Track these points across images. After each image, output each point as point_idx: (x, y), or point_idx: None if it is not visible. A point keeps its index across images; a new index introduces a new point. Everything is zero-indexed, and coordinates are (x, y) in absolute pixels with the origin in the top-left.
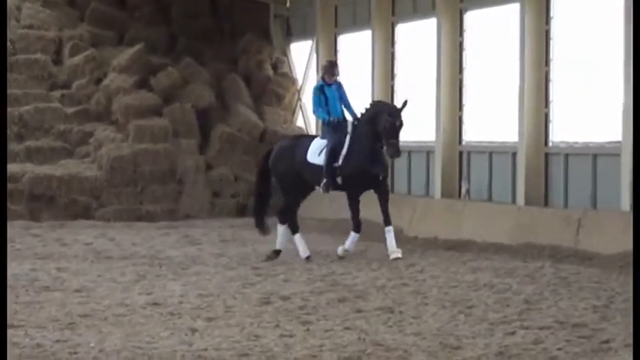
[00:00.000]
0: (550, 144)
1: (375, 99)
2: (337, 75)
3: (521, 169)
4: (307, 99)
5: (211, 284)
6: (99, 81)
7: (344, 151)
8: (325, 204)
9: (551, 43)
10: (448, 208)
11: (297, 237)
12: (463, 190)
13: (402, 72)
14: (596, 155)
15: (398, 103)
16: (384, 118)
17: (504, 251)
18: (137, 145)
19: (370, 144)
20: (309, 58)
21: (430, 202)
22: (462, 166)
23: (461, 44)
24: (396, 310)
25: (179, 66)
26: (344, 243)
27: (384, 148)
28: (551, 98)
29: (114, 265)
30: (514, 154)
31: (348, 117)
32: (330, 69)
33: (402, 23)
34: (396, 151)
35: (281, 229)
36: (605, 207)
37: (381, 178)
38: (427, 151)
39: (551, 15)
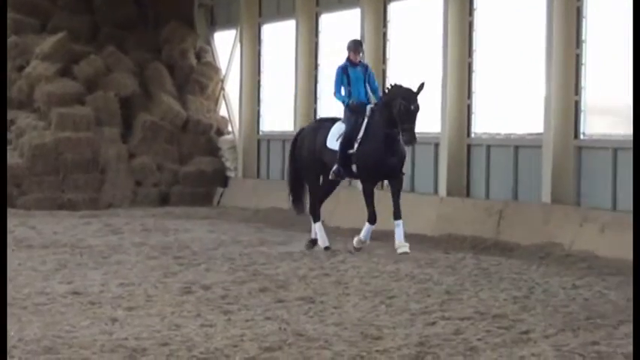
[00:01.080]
0: (472, 135)
1: (393, 83)
2: (362, 54)
3: (444, 159)
4: (231, 88)
5: (132, 273)
6: (21, 68)
7: (359, 138)
8: (247, 192)
9: (474, 34)
10: None
11: (318, 225)
12: (386, 181)
13: (325, 62)
14: (517, 147)
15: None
16: (399, 101)
17: (426, 242)
18: (59, 134)
19: (386, 131)
20: (232, 47)
21: (353, 193)
22: None
23: (384, 35)
24: (317, 300)
25: (102, 54)
26: (359, 234)
27: (400, 135)
28: (473, 89)
29: (34, 253)
30: (436, 145)
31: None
32: (354, 48)
33: (326, 13)
34: (411, 137)
35: (316, 225)
36: (526, 198)
37: (397, 169)
38: None
39: (475, 7)
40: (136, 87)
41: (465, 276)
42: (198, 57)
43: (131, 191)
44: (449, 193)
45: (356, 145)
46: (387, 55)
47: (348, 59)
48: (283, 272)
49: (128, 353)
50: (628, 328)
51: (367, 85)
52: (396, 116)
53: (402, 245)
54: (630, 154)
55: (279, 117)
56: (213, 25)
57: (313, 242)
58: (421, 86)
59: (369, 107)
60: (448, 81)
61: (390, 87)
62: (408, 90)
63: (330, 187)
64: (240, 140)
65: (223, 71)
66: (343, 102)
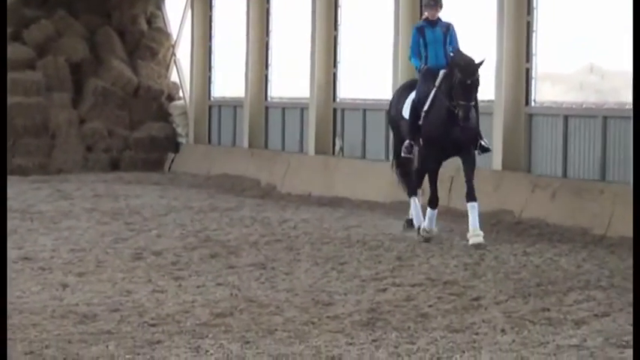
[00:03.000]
0: None
1: (455, 49)
2: (437, 9)
3: None
4: (182, 54)
5: (83, 239)
6: None
7: (425, 107)
8: (199, 158)
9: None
10: (322, 164)
11: (413, 201)
12: (337, 147)
13: (277, 28)
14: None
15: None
16: (456, 73)
17: (377, 208)
18: (10, 99)
19: (446, 103)
20: (183, 12)
21: (304, 159)
22: (336, 123)
23: (336, 1)
24: (268, 266)
25: (52, 19)
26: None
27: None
28: None
29: None
30: (387, 112)
31: None
32: (431, 4)
33: None
34: (464, 115)
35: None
36: (477, 165)
37: (463, 144)
38: (301, 108)
39: None
40: (87, 52)
41: (416, 242)
42: (149, 22)
43: (82, 157)
44: None
45: (422, 116)
46: (339, 22)
47: (426, 18)
48: (234, 238)
49: (79, 319)
50: (577, 295)
51: (448, 46)
52: (453, 89)
53: (475, 234)
54: (581, 121)
55: (230, 83)
56: None
57: (409, 223)
58: (482, 61)
59: (441, 72)
60: (400, 47)
61: (451, 54)
62: (467, 61)
63: (406, 161)
64: (191, 106)
65: (174, 37)
66: (416, 67)
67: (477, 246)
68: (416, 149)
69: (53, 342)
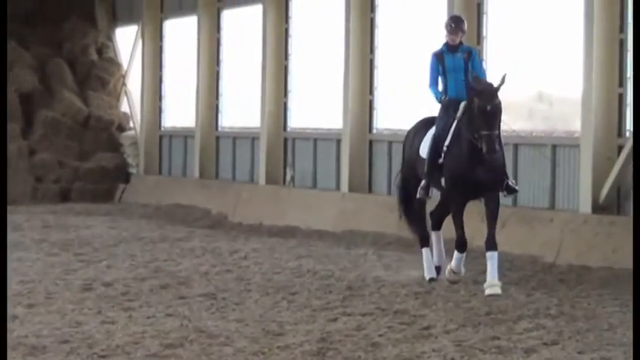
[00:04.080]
0: (374, 131)
1: (474, 76)
2: (458, 34)
3: (346, 155)
4: (132, 84)
5: (33, 270)
6: None
7: (446, 143)
8: (149, 189)
9: (376, 30)
10: (273, 194)
11: (425, 252)
12: (288, 177)
13: (227, 58)
14: None
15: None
16: (474, 101)
17: (328, 238)
18: None
19: (468, 136)
20: (134, 43)
21: (255, 188)
22: (287, 153)
23: (287, 31)
24: (219, 296)
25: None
26: (450, 264)
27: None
28: (375, 85)
29: None
30: (338, 141)
31: None
32: (451, 27)
33: (228, 9)
34: (489, 147)
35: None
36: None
37: (488, 184)
38: (252, 137)
39: (377, 2)
40: (37, 83)
41: (366, 272)
42: (100, 53)
43: (31, 187)
44: (351, 189)
45: (443, 153)
46: (289, 51)
47: (446, 43)
48: (185, 269)
49: (28, 350)
50: (527, 323)
51: (470, 75)
52: (474, 120)
53: (492, 284)
54: (530, 150)
55: (181, 113)
56: (115, 20)
57: (438, 271)
58: (502, 79)
59: (462, 104)
60: (350, 77)
61: (470, 81)
62: (485, 86)
63: (419, 205)
64: (141, 136)
65: (125, 67)
66: (435, 97)
67: (493, 297)
68: (433, 190)
69: None
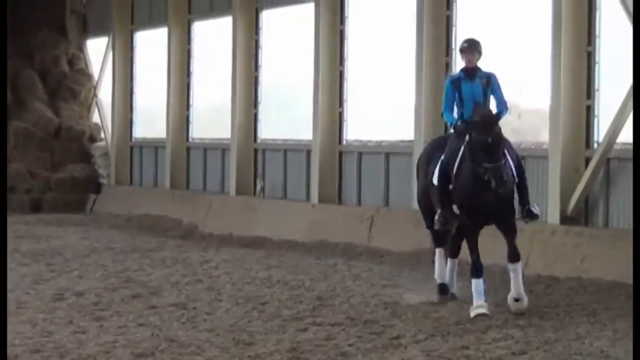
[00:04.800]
0: (344, 142)
1: (476, 103)
2: (475, 58)
3: (315, 167)
4: (103, 95)
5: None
6: None
7: (455, 168)
8: (120, 199)
9: (346, 42)
10: (243, 205)
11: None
12: (258, 188)
13: (198, 69)
14: (388, 154)
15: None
16: (472, 134)
17: (298, 248)
18: None
19: (474, 166)
20: (105, 54)
21: (225, 199)
22: (257, 164)
23: (257, 42)
24: (189, 306)
25: None
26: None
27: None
28: (345, 97)
29: None
30: (308, 152)
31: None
32: (467, 50)
33: (198, 21)
34: (497, 180)
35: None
36: (397, 205)
37: (498, 210)
38: (223, 149)
39: (346, 15)
40: (8, 95)
41: (336, 282)
42: (71, 64)
43: None
44: (321, 200)
45: (452, 179)
46: (259, 62)
47: (463, 69)
48: (156, 279)
49: None
50: (496, 333)
51: (490, 99)
52: (476, 153)
53: (520, 296)
54: None
55: (152, 124)
56: (86, 32)
57: (442, 288)
58: (499, 113)
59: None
60: (320, 88)
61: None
62: (482, 117)
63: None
64: (112, 147)
65: (96, 78)
66: (450, 124)
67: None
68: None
69: None
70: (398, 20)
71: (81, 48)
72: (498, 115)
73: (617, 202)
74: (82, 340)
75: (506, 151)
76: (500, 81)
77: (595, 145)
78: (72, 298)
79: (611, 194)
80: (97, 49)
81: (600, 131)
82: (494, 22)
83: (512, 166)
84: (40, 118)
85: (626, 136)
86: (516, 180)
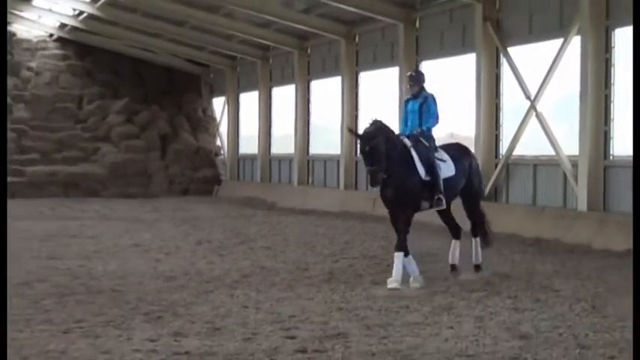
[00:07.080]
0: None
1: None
2: (416, 86)
3: (342, 168)
4: (223, 129)
5: (167, 235)
6: (104, 119)
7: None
8: (232, 188)
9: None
10: (301, 190)
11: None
12: (310, 180)
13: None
14: None
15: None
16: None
17: (332, 215)
18: (125, 156)
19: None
20: (223, 107)
21: (291, 187)
22: (309, 167)
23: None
24: (271, 248)
25: (149, 110)
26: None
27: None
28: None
29: (112, 223)
30: (337, 162)
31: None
32: (410, 83)
33: (315, 80)
34: (371, 180)
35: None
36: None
37: (393, 200)
38: (289, 159)
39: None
40: (168, 128)
41: (354, 234)
42: (204, 111)
43: (166, 188)
44: (345, 187)
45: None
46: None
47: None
48: (252, 232)
49: (166, 279)
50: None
51: (425, 115)
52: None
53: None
54: None
55: (250, 145)
56: (212, 93)
57: (452, 267)
58: (373, 122)
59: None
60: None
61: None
62: (364, 131)
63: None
64: (227, 159)
65: (218, 119)
66: (401, 132)
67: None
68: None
69: (151, 292)
70: None
71: (209, 102)
72: (375, 130)
73: (514, 189)
74: (211, 268)
75: (414, 155)
76: (435, 100)
77: (500, 156)
78: (205, 243)
79: (510, 186)
80: (218, 103)
81: (503, 147)
82: (441, 74)
83: (421, 167)
84: (186, 142)
85: (520, 150)
86: (428, 178)
